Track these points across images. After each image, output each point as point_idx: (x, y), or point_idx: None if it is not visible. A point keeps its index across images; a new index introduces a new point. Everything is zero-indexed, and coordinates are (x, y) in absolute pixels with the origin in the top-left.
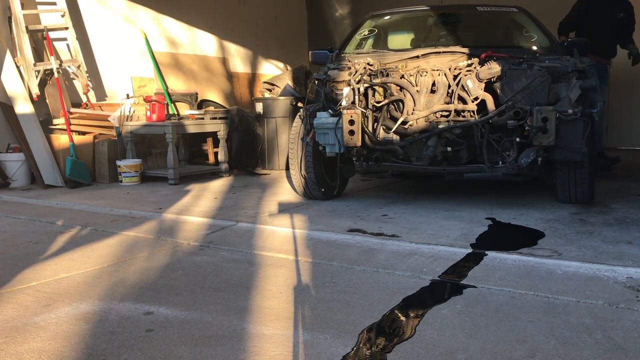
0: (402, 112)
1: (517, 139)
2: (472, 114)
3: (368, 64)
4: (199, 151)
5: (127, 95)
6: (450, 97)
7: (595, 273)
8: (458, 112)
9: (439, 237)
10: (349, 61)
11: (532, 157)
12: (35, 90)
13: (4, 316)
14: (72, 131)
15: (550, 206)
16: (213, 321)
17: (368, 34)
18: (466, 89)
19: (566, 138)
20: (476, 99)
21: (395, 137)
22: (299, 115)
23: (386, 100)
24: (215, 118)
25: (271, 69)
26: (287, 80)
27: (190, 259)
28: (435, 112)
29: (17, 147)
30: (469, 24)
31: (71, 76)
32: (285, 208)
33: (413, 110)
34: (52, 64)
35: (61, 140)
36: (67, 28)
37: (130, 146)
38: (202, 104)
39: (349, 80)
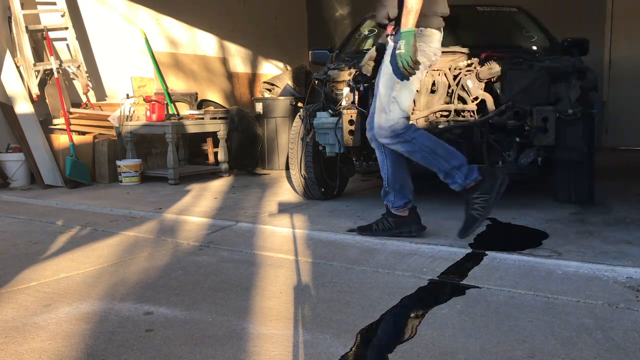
0: None
1: (517, 139)
2: (472, 114)
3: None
4: (199, 151)
5: (127, 95)
6: (450, 97)
7: (595, 273)
8: (458, 112)
9: (439, 237)
10: (349, 61)
11: (532, 157)
12: (35, 90)
13: (4, 316)
14: (72, 131)
15: (550, 206)
16: (213, 321)
17: (368, 34)
18: (466, 89)
19: (566, 138)
20: (476, 99)
21: None
22: (299, 115)
23: None
24: (215, 118)
25: (271, 69)
26: (287, 80)
27: (190, 259)
28: (435, 112)
29: (17, 147)
30: (469, 24)
31: (71, 76)
32: (285, 208)
33: (413, 110)
34: (52, 64)
35: (61, 140)
36: (67, 28)
37: (130, 146)
38: (202, 104)
39: (349, 80)
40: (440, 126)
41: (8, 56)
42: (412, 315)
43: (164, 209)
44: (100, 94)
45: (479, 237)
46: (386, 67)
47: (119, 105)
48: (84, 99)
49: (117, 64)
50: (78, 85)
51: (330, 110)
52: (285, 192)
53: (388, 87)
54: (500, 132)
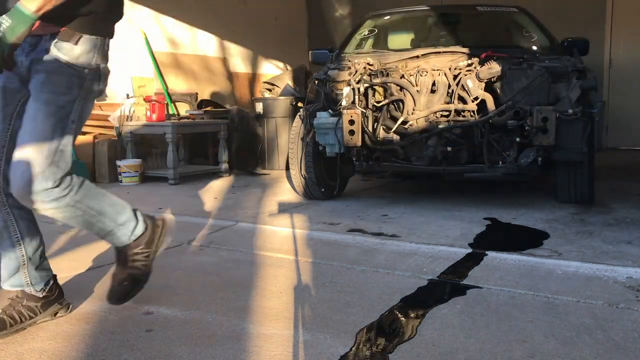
0: (402, 112)
1: (517, 139)
2: (472, 113)
3: (368, 64)
4: (199, 151)
5: (127, 95)
6: (450, 97)
7: (595, 273)
8: (458, 112)
9: (439, 237)
10: (349, 61)
11: (532, 157)
12: None
13: None
14: None
15: (550, 206)
16: (213, 321)
17: (368, 34)
18: (466, 88)
19: (566, 138)
20: (476, 98)
21: (396, 137)
22: (299, 115)
23: (386, 100)
24: (215, 118)
25: (271, 69)
26: (287, 80)
27: (190, 259)
28: (435, 112)
29: None
30: (469, 24)
31: None
32: (285, 208)
33: (413, 110)
34: None
35: None
36: None
37: (130, 146)
38: (202, 104)
39: (349, 80)
40: (441, 126)
41: None
42: (412, 315)
43: (164, 209)
44: None
45: (478, 237)
46: (40, 86)
47: (119, 105)
48: None
49: (117, 64)
50: None
51: (330, 110)
52: (285, 192)
53: (54, 124)
54: (500, 132)
